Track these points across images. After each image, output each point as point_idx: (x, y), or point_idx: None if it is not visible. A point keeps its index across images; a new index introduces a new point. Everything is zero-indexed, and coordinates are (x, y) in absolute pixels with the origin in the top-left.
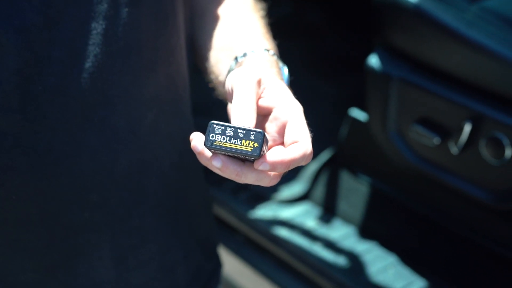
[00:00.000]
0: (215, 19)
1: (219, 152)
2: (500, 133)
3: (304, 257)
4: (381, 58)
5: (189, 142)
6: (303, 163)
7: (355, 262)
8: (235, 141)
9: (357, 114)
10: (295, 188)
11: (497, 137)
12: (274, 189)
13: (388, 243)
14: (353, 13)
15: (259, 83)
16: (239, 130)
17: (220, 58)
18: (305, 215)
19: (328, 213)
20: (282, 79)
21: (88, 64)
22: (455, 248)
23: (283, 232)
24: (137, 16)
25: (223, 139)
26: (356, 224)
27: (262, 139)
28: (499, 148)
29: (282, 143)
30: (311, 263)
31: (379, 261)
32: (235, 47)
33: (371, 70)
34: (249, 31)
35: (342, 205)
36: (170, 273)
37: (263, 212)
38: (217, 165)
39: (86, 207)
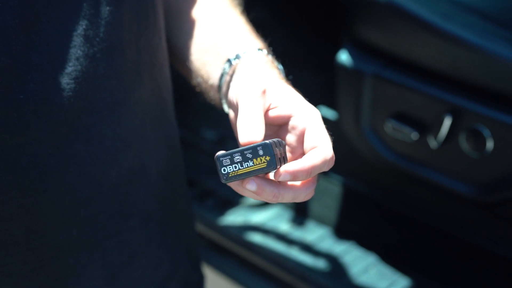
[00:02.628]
0: (193, 18)
1: (242, 179)
2: (481, 125)
3: (281, 262)
4: (352, 54)
5: (174, 150)
6: (325, 169)
7: (335, 264)
8: (247, 164)
9: (325, 112)
10: None
11: (477, 130)
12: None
13: (367, 243)
14: (301, 10)
15: (264, 93)
16: (245, 152)
17: (207, 61)
18: (277, 218)
19: (301, 216)
20: (284, 79)
21: (70, 69)
22: (437, 244)
23: (256, 238)
24: (119, 15)
25: (235, 167)
26: (331, 225)
27: (271, 150)
28: (479, 140)
29: (303, 153)
30: (289, 268)
31: (359, 262)
32: (222, 47)
33: (341, 67)
34: (233, 29)
35: (315, 206)
36: None
37: (233, 218)
38: (252, 189)
39: (75, 224)
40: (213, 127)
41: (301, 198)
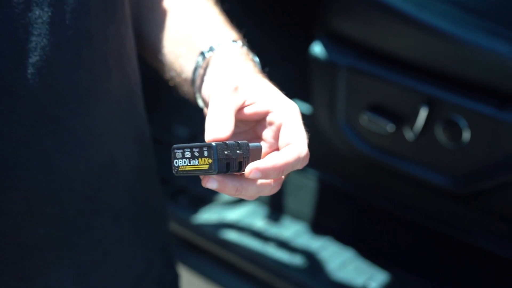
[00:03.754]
0: (165, 9)
1: (189, 175)
2: (457, 116)
3: (257, 259)
4: (326, 46)
5: (145, 143)
6: (299, 167)
7: (312, 260)
8: (193, 162)
9: (299, 106)
10: None
11: (453, 120)
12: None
13: (344, 238)
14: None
15: (236, 90)
16: (194, 149)
17: (180, 53)
18: (252, 215)
19: (276, 212)
20: (259, 72)
21: (35, 58)
22: (414, 237)
23: (231, 235)
24: (85, 1)
25: (184, 162)
26: (307, 220)
27: (215, 153)
28: (456, 131)
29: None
30: (266, 265)
31: (336, 257)
32: (196, 39)
33: (315, 60)
34: (207, 20)
35: (290, 202)
36: (135, 287)
37: (207, 215)
38: (213, 187)
39: (42, 222)
40: (185, 124)
41: (266, 192)
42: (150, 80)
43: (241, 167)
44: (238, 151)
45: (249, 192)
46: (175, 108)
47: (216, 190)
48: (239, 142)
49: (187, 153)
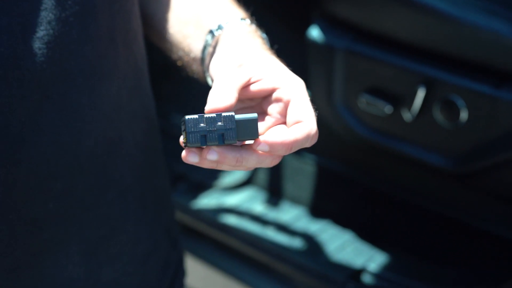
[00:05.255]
0: None
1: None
2: (455, 95)
3: (257, 243)
4: (323, 29)
5: (151, 122)
6: (307, 145)
7: (312, 242)
8: (182, 136)
9: None
10: (237, 173)
11: (451, 100)
12: (215, 176)
13: (342, 221)
14: None
15: (240, 67)
16: (182, 124)
17: (188, 33)
18: (251, 200)
19: (275, 196)
20: (268, 48)
21: (41, 33)
22: (413, 218)
23: (231, 220)
24: None
25: (183, 137)
26: (306, 204)
27: (187, 126)
28: (453, 111)
29: (285, 123)
30: (266, 249)
31: (335, 240)
32: (204, 18)
33: (312, 43)
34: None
35: (289, 186)
36: (141, 266)
37: (207, 201)
38: (213, 158)
39: (50, 196)
40: (184, 112)
41: (266, 164)
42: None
43: (224, 138)
44: (219, 123)
45: (249, 163)
46: (174, 97)
47: (215, 162)
48: (222, 114)
49: (183, 128)
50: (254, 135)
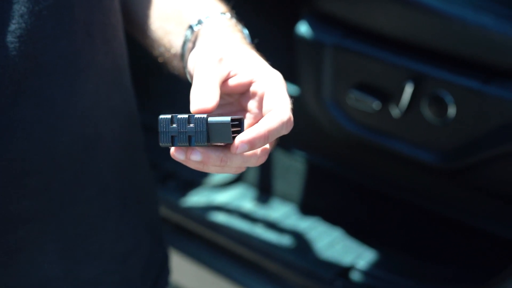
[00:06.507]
0: None
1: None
2: (443, 91)
3: (246, 240)
4: (311, 25)
5: (132, 118)
6: (284, 132)
7: (300, 240)
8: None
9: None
10: None
11: (439, 96)
12: (204, 174)
13: (332, 218)
14: None
15: (220, 61)
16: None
17: (169, 29)
18: (241, 197)
19: (265, 194)
20: (248, 43)
21: (14, 26)
22: (402, 215)
23: (220, 218)
24: None
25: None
26: (295, 202)
27: (160, 126)
28: (441, 106)
29: None
30: (254, 246)
31: (324, 237)
32: (185, 14)
33: (301, 39)
34: None
35: (278, 184)
36: (122, 264)
37: (196, 199)
38: (197, 159)
39: (25, 194)
40: (173, 110)
41: (252, 163)
42: (139, 66)
43: (193, 140)
44: (190, 125)
45: (234, 163)
46: (166, 94)
47: (199, 163)
48: (195, 116)
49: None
50: (227, 139)
